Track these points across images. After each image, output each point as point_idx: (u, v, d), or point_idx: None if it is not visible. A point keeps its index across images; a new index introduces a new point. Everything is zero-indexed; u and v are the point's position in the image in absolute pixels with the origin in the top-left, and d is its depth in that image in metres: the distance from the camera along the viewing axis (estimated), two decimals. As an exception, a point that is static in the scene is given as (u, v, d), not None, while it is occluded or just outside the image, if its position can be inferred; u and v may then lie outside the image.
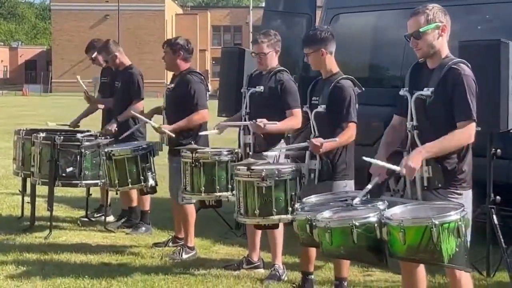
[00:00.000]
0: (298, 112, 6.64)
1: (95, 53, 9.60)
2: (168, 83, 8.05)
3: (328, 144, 5.83)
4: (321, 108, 6.03)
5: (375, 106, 8.59)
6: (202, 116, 7.56)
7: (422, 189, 4.87)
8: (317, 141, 5.82)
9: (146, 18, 69.10)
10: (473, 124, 4.76)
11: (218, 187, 6.67)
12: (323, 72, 6.25)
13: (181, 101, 7.59)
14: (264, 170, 5.88)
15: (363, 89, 6.20)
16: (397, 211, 4.58)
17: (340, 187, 5.97)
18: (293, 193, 5.86)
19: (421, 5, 4.94)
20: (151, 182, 7.64)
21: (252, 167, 5.93)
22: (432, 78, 4.88)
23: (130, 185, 7.71)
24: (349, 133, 5.97)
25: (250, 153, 6.71)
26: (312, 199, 5.44)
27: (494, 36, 7.33)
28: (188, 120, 7.51)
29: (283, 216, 5.88)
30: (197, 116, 7.54)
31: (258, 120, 6.49)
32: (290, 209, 5.83)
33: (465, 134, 4.74)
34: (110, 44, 9.28)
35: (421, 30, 4.85)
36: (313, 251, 6.28)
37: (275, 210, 5.86)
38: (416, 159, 4.66)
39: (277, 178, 5.86)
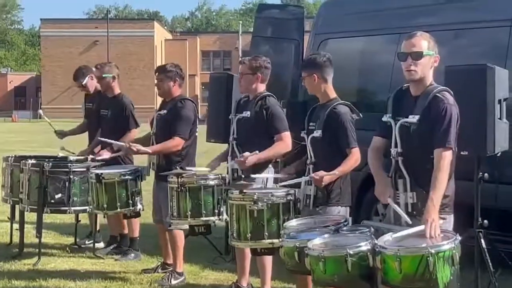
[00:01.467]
0: (285, 136, 6.65)
1: (86, 79, 9.59)
2: (158, 109, 8.06)
3: (327, 178, 5.78)
4: (317, 134, 6.00)
5: (362, 130, 8.61)
6: (177, 143, 7.56)
7: (407, 215, 4.90)
8: (317, 174, 5.79)
9: (135, 44, 69.23)
10: (450, 152, 4.80)
11: (204, 211, 6.67)
12: (319, 97, 6.21)
13: (171, 127, 7.61)
14: (256, 193, 5.87)
15: (361, 115, 6.17)
16: (390, 239, 4.60)
17: (334, 213, 5.92)
18: (285, 218, 5.81)
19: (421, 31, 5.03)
20: (139, 206, 7.66)
21: (245, 190, 5.93)
22: (417, 106, 4.94)
23: (119, 209, 7.72)
24: (354, 159, 5.93)
25: (243, 176, 6.69)
26: (293, 223, 5.45)
27: (481, 60, 7.39)
28: (163, 145, 7.55)
29: (275, 240, 5.83)
30: (173, 143, 7.56)
31: (239, 157, 6.50)
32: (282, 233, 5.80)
33: (446, 162, 4.78)
34: (113, 64, 9.31)
35: (424, 52, 4.90)
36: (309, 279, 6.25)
37: (266, 234, 5.83)
38: (436, 215, 4.67)
39: (269, 202, 5.83)
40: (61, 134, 9.87)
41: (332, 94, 6.15)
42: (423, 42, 4.93)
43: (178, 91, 7.84)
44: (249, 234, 5.88)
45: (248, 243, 5.96)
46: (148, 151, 7.65)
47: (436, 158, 4.79)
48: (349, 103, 6.13)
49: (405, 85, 5.07)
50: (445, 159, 4.77)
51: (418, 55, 4.90)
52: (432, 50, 4.94)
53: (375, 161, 5.22)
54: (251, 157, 6.44)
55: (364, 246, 4.57)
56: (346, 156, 5.91)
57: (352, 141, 5.94)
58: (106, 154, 8.58)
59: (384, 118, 5.09)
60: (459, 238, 4.52)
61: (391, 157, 5.01)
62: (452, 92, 4.96)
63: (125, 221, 9.03)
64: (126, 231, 9.16)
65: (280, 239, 5.61)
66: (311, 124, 6.19)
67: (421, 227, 4.66)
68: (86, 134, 9.80)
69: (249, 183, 6.23)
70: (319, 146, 6.01)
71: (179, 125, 7.58)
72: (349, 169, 5.91)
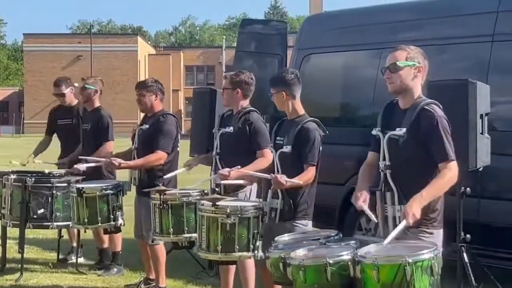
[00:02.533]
0: (267, 152, 6.67)
1: (67, 89, 9.57)
2: (139, 123, 8.05)
3: (290, 184, 5.87)
4: (286, 149, 6.08)
5: (346, 145, 8.66)
6: (159, 157, 7.56)
7: (394, 228, 4.89)
8: (281, 177, 5.86)
9: (119, 59, 69.14)
10: (455, 163, 4.83)
11: (186, 228, 6.65)
12: (287, 114, 6.31)
13: (153, 141, 7.61)
14: (229, 206, 5.87)
15: (327, 132, 6.25)
16: (371, 250, 4.61)
17: (300, 226, 6.02)
18: (255, 231, 5.81)
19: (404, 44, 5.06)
20: (120, 221, 7.63)
21: (217, 203, 5.92)
22: (405, 119, 4.94)
23: (99, 224, 7.69)
24: (309, 176, 6.02)
25: (222, 193, 6.69)
26: (285, 238, 5.49)
27: (463, 75, 7.44)
28: (145, 160, 7.55)
29: (244, 253, 5.85)
30: (155, 156, 7.56)
31: (221, 170, 6.51)
32: (251, 246, 5.80)
33: (452, 174, 4.79)
34: (99, 79, 9.32)
35: (398, 62, 4.93)
36: None
37: (237, 247, 5.83)
38: (417, 208, 4.67)
39: (240, 215, 5.82)
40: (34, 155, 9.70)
41: (301, 110, 6.27)
42: (400, 54, 4.97)
43: (159, 105, 7.84)
44: (220, 247, 5.85)
45: (218, 255, 5.94)
46: (130, 165, 7.65)
47: (441, 170, 4.79)
48: (317, 119, 6.22)
49: (396, 98, 5.08)
50: (450, 170, 4.78)
51: (393, 68, 4.94)
52: (412, 61, 4.95)
53: (362, 172, 5.22)
54: (233, 172, 6.45)
55: (345, 256, 4.57)
56: (303, 170, 6.00)
57: (311, 158, 6.03)
58: (82, 166, 8.55)
59: (374, 132, 5.11)
60: (440, 249, 4.52)
61: (380, 170, 5.02)
62: (440, 105, 4.98)
63: (105, 236, 9.01)
64: (106, 246, 9.13)
65: (252, 252, 5.71)
66: (278, 138, 6.28)
67: (402, 224, 4.67)
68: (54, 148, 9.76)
69: (222, 196, 6.23)
70: (288, 161, 6.08)
71: (161, 140, 7.59)
72: (300, 182, 5.94)
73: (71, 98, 9.68)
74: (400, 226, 4.69)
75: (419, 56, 5.00)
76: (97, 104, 9.20)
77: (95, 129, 8.96)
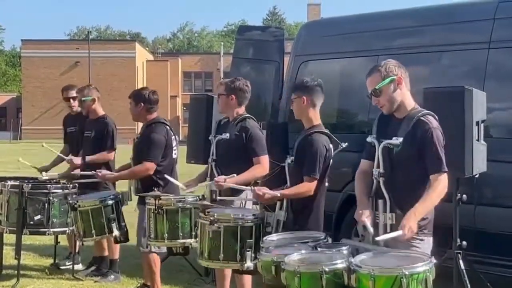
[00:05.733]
0: (264, 159, 6.66)
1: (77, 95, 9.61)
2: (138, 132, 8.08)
3: (230, 180, 5.98)
4: (289, 159, 6.08)
5: (343, 152, 8.65)
6: (145, 168, 7.56)
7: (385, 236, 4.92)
8: (259, 189, 5.90)
9: (116, 65, 69.10)
10: (445, 175, 4.89)
11: (181, 233, 6.63)
12: (304, 122, 6.13)
13: (141, 151, 7.64)
14: (216, 214, 5.81)
15: (343, 145, 6.17)
16: (365, 258, 4.61)
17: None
18: (244, 242, 5.70)
19: (375, 64, 5.14)
20: (115, 233, 7.59)
21: (207, 210, 5.90)
22: (401, 128, 4.99)
23: (94, 236, 7.68)
24: (302, 189, 5.86)
25: (217, 199, 6.69)
26: (273, 237, 5.47)
27: (460, 82, 7.45)
28: (130, 171, 7.57)
29: (231, 263, 5.80)
30: (140, 168, 7.57)
31: (216, 178, 6.51)
32: (239, 256, 5.70)
33: (442, 186, 4.86)
34: (92, 87, 9.30)
35: (376, 87, 5.00)
36: None
37: (222, 255, 5.74)
38: (414, 223, 4.72)
39: (226, 224, 5.73)
40: (44, 171, 9.49)
41: (316, 120, 6.09)
42: (375, 77, 5.05)
43: (149, 115, 7.83)
44: (223, 255, 5.77)
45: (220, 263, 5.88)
46: (116, 176, 7.67)
47: (432, 182, 4.85)
48: (328, 132, 6.09)
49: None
50: (441, 182, 4.85)
51: (375, 92, 5.03)
52: (388, 77, 5.01)
53: (360, 184, 5.24)
54: (229, 179, 6.45)
55: (340, 264, 4.57)
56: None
57: (310, 171, 5.86)
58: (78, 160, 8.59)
59: (369, 139, 5.14)
60: (434, 261, 4.53)
61: (373, 177, 5.05)
62: (436, 116, 5.03)
63: (105, 244, 9.02)
64: (106, 254, 9.14)
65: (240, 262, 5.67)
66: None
67: (397, 233, 4.70)
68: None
69: (211, 204, 6.22)
70: (292, 172, 6.06)
71: (148, 150, 7.60)
72: (294, 196, 5.86)
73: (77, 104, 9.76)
74: (395, 234, 4.71)
75: (393, 68, 5.05)
76: (100, 112, 9.23)
77: (99, 137, 8.97)
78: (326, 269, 4.54)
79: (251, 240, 5.70)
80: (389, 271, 4.38)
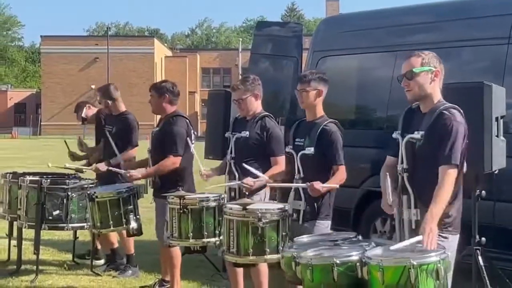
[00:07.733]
0: (281, 159, 6.66)
1: (83, 111, 9.75)
2: (155, 126, 8.06)
3: (325, 189, 5.94)
4: (309, 151, 6.07)
5: (361, 147, 8.64)
6: (172, 162, 7.54)
7: (410, 232, 4.89)
8: (317, 184, 5.87)
9: (135, 61, 69.31)
10: (453, 170, 4.76)
11: (206, 233, 6.60)
12: (308, 113, 6.27)
13: (163, 144, 7.62)
14: (260, 210, 5.84)
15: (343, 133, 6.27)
16: (379, 251, 4.60)
17: (323, 226, 6.06)
18: (284, 233, 5.81)
19: (417, 50, 5.05)
20: (133, 224, 7.61)
21: (247, 207, 5.91)
22: (423, 122, 4.93)
23: (112, 227, 7.69)
24: (342, 176, 6.06)
25: (236, 197, 6.69)
26: (304, 239, 5.47)
27: (479, 77, 7.40)
28: (158, 166, 7.53)
29: (273, 256, 5.81)
30: (167, 162, 7.55)
31: (245, 180, 6.53)
32: (281, 248, 5.76)
33: (450, 181, 4.74)
34: (111, 88, 9.28)
35: (414, 70, 4.92)
36: None
37: (267, 249, 5.82)
38: (434, 226, 4.62)
39: (270, 219, 5.80)
40: (80, 172, 9.37)
41: (321, 112, 6.28)
42: (415, 60, 4.96)
43: (170, 108, 7.81)
44: (251, 250, 5.84)
45: (249, 258, 5.93)
46: (144, 174, 7.66)
47: (440, 175, 4.75)
48: (336, 120, 6.25)
49: (416, 102, 5.07)
50: (449, 176, 4.73)
51: (410, 75, 4.94)
52: (428, 65, 4.94)
53: (385, 176, 5.18)
54: (258, 183, 6.52)
55: (354, 257, 4.55)
56: (333, 172, 6.06)
57: (340, 159, 6.09)
58: (103, 167, 8.56)
59: (394, 135, 5.10)
60: (447, 253, 4.48)
61: (398, 173, 5.01)
62: (461, 110, 4.95)
63: (114, 237, 9.04)
64: (116, 246, 9.18)
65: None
66: (297, 140, 6.25)
67: (419, 238, 4.65)
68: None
69: (251, 201, 6.24)
70: (309, 163, 6.08)
71: (173, 143, 7.57)
72: (336, 185, 6.03)
73: (92, 111, 9.89)
74: (415, 239, 4.65)
75: (434, 60, 4.99)
76: (122, 108, 9.22)
77: (121, 134, 8.94)
78: (338, 261, 4.52)
79: (289, 232, 5.84)
80: (397, 261, 4.33)
